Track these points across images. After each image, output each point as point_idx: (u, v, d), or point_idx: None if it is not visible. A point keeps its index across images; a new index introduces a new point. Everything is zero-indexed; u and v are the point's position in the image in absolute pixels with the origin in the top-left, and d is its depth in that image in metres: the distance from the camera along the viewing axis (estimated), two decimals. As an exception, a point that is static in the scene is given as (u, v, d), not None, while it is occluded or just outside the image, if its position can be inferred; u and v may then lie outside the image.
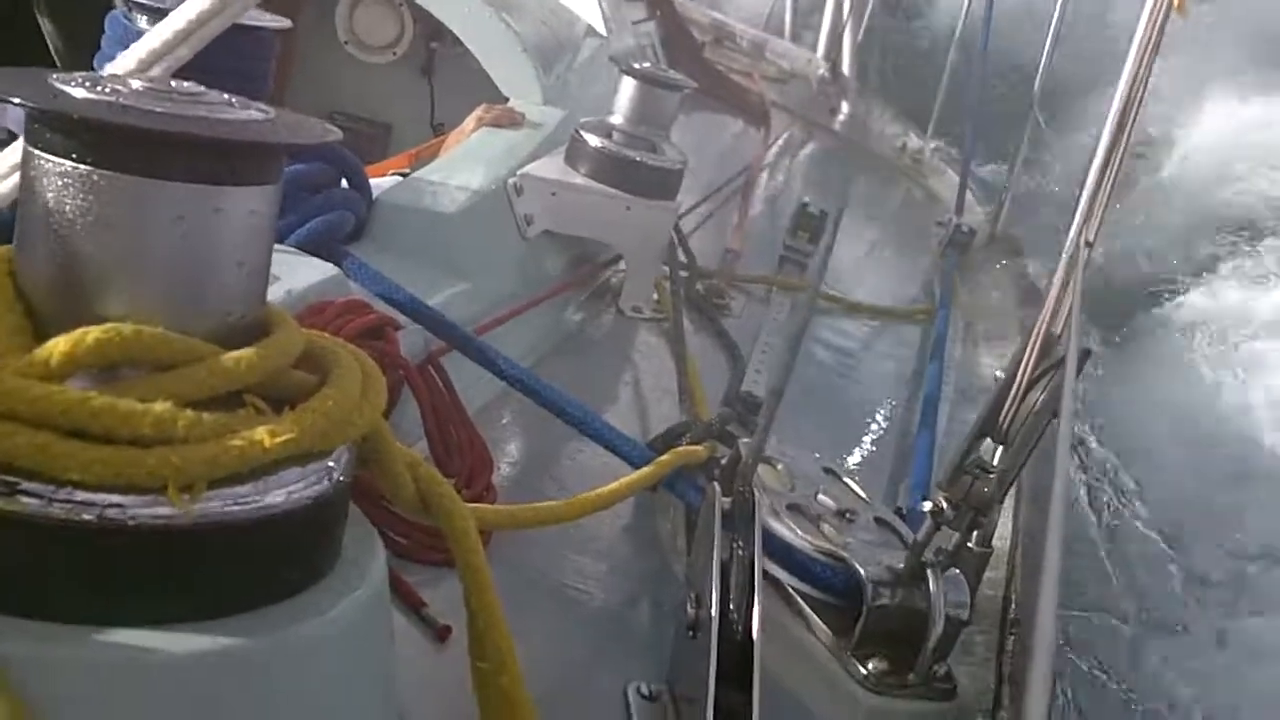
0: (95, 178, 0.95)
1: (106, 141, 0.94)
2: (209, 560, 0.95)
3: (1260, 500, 6.95)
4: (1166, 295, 9.55)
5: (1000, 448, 2.02)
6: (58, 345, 0.93)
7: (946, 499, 2.03)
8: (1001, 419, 2.02)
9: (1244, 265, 10.10)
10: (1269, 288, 9.56)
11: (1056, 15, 5.50)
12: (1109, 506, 6.62)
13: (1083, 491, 6.37)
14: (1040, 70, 5.61)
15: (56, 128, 0.95)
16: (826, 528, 2.21)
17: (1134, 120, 2.04)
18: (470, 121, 3.41)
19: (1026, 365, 2.00)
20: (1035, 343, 2.01)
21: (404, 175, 3.02)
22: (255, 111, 1.04)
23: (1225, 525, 6.79)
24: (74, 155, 0.95)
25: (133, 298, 0.98)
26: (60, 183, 0.96)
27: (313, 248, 2.19)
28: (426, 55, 4.66)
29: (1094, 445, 6.80)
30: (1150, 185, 10.39)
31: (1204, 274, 10.12)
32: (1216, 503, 6.92)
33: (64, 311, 0.98)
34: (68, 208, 0.96)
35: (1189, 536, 6.72)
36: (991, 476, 2.00)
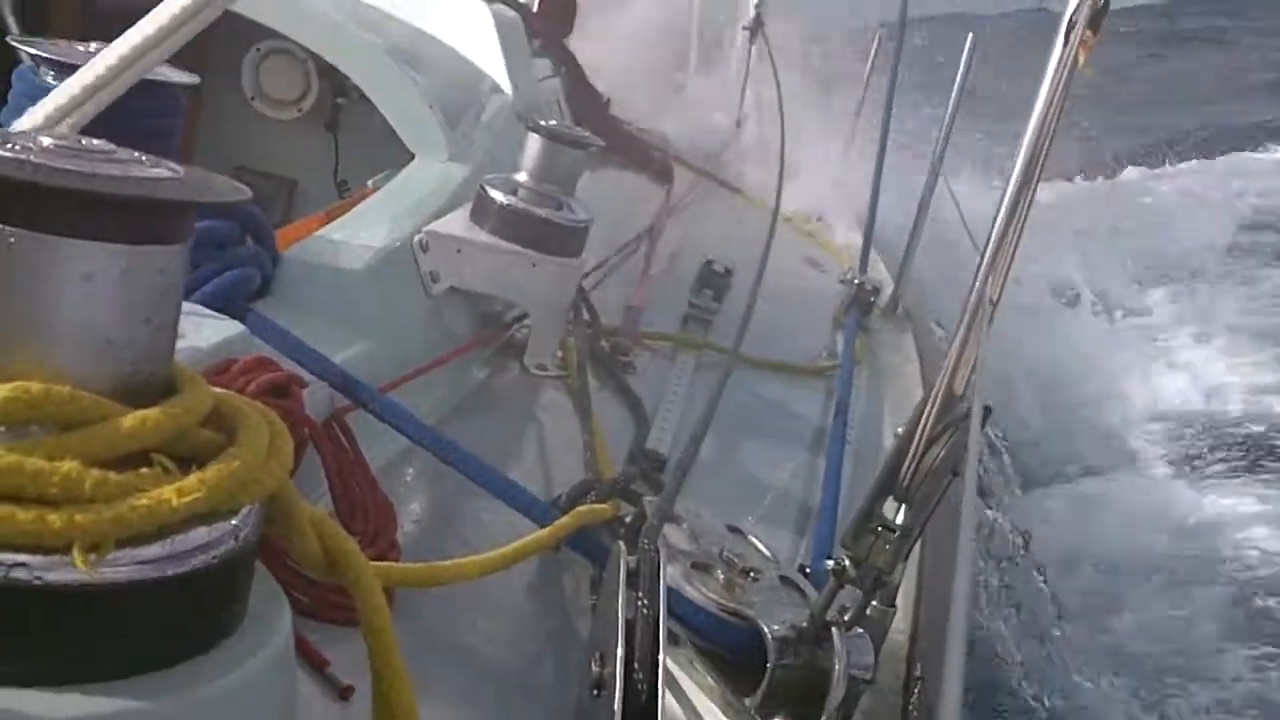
0: (5, 234, 0.94)
1: (16, 199, 0.94)
2: (115, 620, 0.94)
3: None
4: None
5: (903, 505, 2.04)
6: None
7: (850, 557, 2.04)
8: (902, 477, 2.04)
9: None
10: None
11: (958, 84, 5.58)
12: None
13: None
14: (944, 126, 5.67)
15: None
16: (731, 586, 2.22)
17: (1038, 177, 2.06)
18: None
19: (926, 423, 2.02)
20: (935, 400, 2.03)
21: None
22: (165, 170, 1.04)
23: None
24: None
25: (40, 355, 0.97)
26: None
27: (218, 305, 2.17)
28: (332, 111, 4.64)
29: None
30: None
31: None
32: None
33: None
34: None
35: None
36: (894, 535, 2.02)
